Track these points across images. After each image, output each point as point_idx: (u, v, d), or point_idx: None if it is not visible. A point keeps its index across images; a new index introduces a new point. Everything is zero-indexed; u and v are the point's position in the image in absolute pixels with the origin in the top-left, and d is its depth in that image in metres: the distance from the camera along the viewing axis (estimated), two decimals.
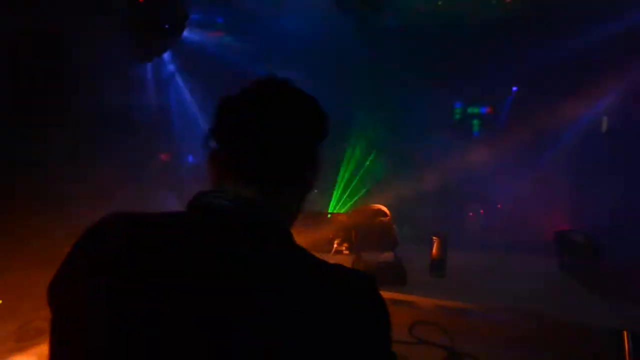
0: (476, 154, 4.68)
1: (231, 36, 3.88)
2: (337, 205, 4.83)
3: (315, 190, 0.81)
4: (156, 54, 3.10)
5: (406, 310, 1.85)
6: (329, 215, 2.05)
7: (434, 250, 1.62)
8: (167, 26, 3.00)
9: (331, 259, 1.79)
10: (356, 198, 4.94)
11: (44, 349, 0.88)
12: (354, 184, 5.04)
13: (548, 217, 3.90)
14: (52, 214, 2.15)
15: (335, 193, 4.90)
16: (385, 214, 1.91)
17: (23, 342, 1.27)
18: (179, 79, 4.31)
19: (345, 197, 4.94)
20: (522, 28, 4.25)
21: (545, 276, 1.68)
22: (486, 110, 5.39)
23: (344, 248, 1.86)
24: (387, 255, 1.73)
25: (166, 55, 3.69)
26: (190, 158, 4.58)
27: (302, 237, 1.88)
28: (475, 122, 5.42)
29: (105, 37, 2.74)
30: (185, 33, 3.07)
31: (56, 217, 2.08)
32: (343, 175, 5.02)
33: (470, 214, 5.05)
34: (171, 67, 4.09)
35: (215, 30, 3.72)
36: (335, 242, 1.84)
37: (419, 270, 1.66)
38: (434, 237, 1.62)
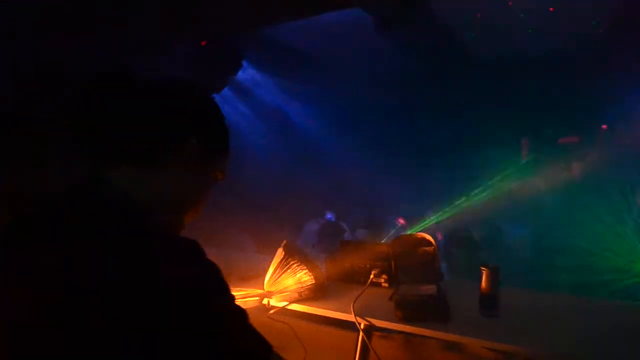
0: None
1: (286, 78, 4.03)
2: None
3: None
4: (215, 91, 3.29)
5: (452, 355, 1.61)
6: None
7: (482, 284, 1.38)
8: (224, 66, 3.18)
9: (367, 292, 1.62)
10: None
11: None
12: None
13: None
14: None
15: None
16: (429, 243, 1.70)
17: None
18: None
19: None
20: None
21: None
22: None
23: (382, 280, 1.68)
24: (429, 288, 1.52)
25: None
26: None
27: (337, 266, 1.75)
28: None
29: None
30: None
31: None
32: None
33: None
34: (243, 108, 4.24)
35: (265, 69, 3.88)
36: (373, 272, 1.66)
37: (470, 307, 1.42)
38: (483, 268, 1.39)
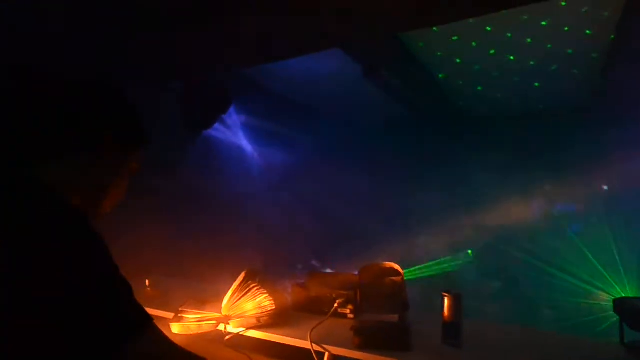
0: None
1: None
2: None
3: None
4: (205, 127, 3.36)
5: None
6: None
7: (445, 312, 1.32)
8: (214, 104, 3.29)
9: (332, 322, 1.54)
10: None
11: None
12: None
13: None
14: None
15: None
16: (397, 273, 1.65)
17: None
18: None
19: None
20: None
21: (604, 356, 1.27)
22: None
23: (348, 311, 1.61)
24: (392, 318, 1.45)
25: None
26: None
27: (303, 295, 1.68)
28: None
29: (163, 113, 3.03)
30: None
31: None
32: None
33: None
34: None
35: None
36: (337, 302, 1.60)
37: (434, 337, 1.35)
38: (445, 295, 1.33)
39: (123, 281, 0.71)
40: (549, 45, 3.21)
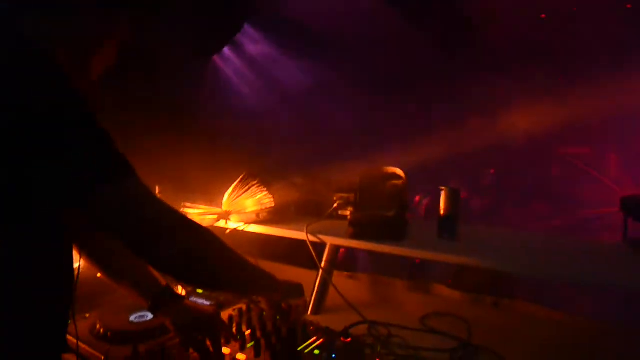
0: None
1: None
2: None
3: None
4: (215, 50, 3.31)
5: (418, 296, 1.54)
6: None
7: (441, 205, 1.31)
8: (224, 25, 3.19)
9: (332, 222, 1.56)
10: None
11: None
12: None
13: None
14: None
15: None
16: (398, 177, 1.63)
17: None
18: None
19: None
20: None
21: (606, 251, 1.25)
22: None
23: (347, 212, 1.61)
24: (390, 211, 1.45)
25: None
26: None
27: (303, 199, 1.69)
28: None
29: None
30: None
31: None
32: None
33: None
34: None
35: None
36: (337, 203, 1.60)
37: (431, 232, 1.35)
38: (442, 188, 1.31)
39: (101, 130, 0.69)
40: None
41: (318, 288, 1.50)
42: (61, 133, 0.65)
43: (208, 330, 0.96)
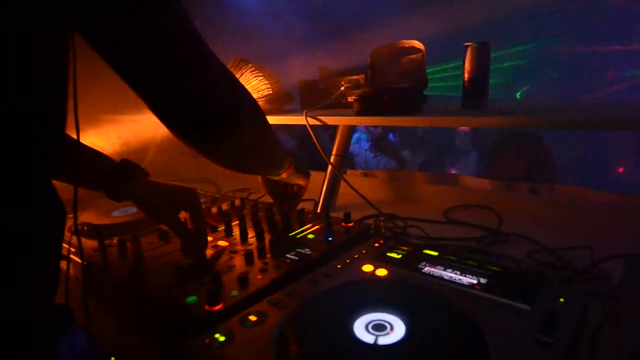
0: None
1: None
2: None
3: None
4: None
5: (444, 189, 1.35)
6: None
7: (466, 65, 1.06)
8: None
9: (331, 112, 1.35)
10: None
11: None
12: None
13: None
14: None
15: None
16: (417, 50, 1.37)
17: None
18: None
19: None
20: None
21: None
22: None
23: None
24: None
25: None
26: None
27: (311, 89, 1.47)
28: None
29: None
30: None
31: None
32: None
33: None
34: None
35: None
36: (344, 86, 1.38)
37: (455, 103, 1.12)
38: (468, 44, 1.05)
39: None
40: None
41: (327, 184, 1.34)
42: None
43: (184, 205, 0.80)
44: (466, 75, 1.06)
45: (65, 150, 0.76)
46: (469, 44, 1.05)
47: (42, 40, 0.45)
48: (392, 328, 0.52)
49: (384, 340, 0.50)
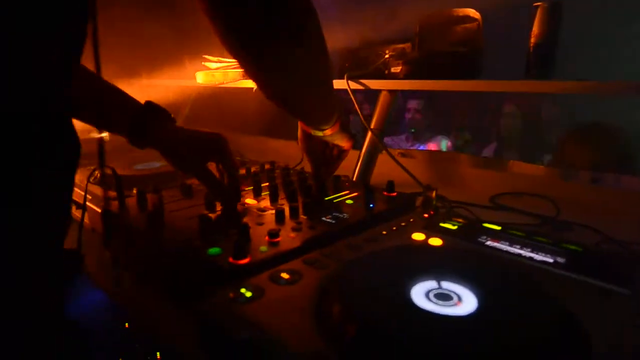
0: None
1: None
2: None
3: None
4: None
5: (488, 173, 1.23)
6: None
7: (534, 28, 0.93)
8: None
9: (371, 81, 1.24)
10: None
11: None
12: None
13: None
14: None
15: None
16: (472, 19, 1.24)
17: None
18: None
19: None
20: None
21: None
22: None
23: (400, 68, 1.28)
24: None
25: None
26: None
27: (354, 57, 1.37)
28: None
29: None
30: None
31: None
32: None
33: None
34: None
35: None
36: (387, 55, 1.27)
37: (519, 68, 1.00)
38: (538, 4, 0.93)
39: None
40: None
41: (364, 157, 1.23)
42: None
43: (213, 153, 0.71)
44: (532, 40, 0.93)
45: (89, 88, 0.70)
46: (538, 3, 0.92)
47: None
48: (460, 299, 0.42)
49: (450, 311, 0.40)
